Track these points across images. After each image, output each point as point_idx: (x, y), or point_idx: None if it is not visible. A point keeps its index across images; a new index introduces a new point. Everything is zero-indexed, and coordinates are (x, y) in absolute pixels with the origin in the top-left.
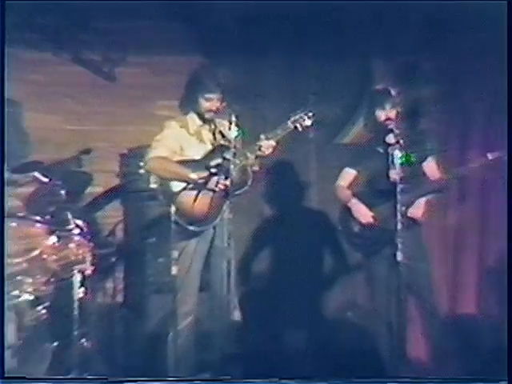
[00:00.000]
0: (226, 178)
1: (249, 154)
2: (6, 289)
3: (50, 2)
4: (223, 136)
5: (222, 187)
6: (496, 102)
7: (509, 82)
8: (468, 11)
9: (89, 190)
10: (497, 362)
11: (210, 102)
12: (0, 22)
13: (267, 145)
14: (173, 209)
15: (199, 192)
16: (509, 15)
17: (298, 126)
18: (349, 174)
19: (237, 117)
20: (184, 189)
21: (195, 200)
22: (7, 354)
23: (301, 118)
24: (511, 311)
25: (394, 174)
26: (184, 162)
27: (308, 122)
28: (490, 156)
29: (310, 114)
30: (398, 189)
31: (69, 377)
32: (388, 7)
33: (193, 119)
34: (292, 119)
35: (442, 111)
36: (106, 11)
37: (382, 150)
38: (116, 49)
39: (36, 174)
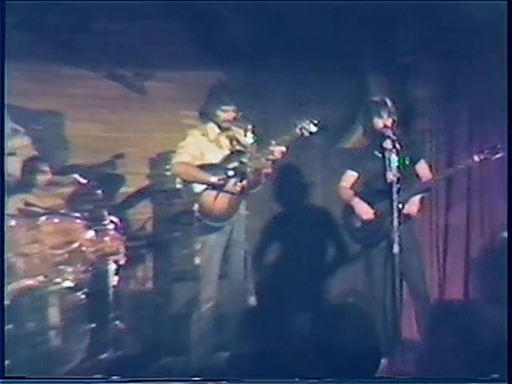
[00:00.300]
0: (242, 180)
1: (262, 158)
2: (49, 277)
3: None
4: (239, 142)
5: (239, 188)
6: (491, 103)
7: (509, 81)
8: (468, 11)
9: (122, 190)
10: (482, 340)
11: (226, 113)
12: (0, 22)
13: (278, 150)
14: (196, 207)
15: (219, 192)
16: (509, 15)
17: (304, 132)
18: (350, 176)
19: (253, 125)
20: (205, 189)
21: (215, 199)
22: (51, 334)
23: (307, 124)
24: (511, 311)
25: (391, 176)
26: (204, 166)
27: (313, 129)
28: (476, 158)
29: (315, 122)
30: (395, 188)
31: (69, 377)
32: (387, 8)
33: (212, 128)
34: (299, 126)
35: (435, 115)
36: (132, 30)
37: (379, 154)
38: (145, 65)
39: (76, 175)
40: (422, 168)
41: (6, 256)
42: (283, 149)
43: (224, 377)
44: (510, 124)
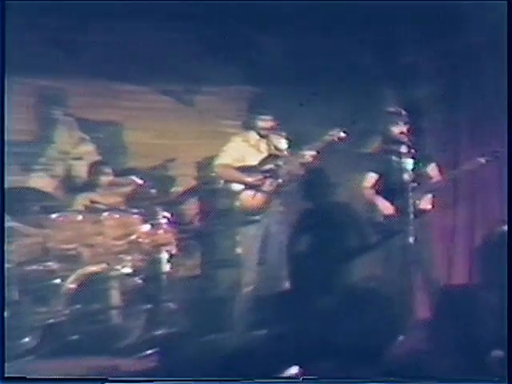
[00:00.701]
0: (277, 180)
1: (295, 161)
2: (111, 264)
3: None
4: (275, 147)
5: (274, 187)
6: (492, 105)
7: (509, 82)
8: (468, 11)
9: (173, 189)
10: (483, 318)
11: (264, 122)
12: (0, 22)
13: (309, 154)
14: (236, 203)
15: (256, 190)
16: (509, 15)
17: (334, 139)
18: (372, 177)
19: (287, 133)
20: (245, 188)
21: (253, 197)
22: (112, 313)
23: (337, 132)
24: (511, 310)
25: (407, 176)
26: (244, 168)
27: (342, 135)
28: (481, 160)
29: (344, 129)
30: (410, 188)
31: (68, 377)
32: (386, 8)
33: (252, 134)
34: (330, 133)
35: (445, 122)
36: (180, 51)
37: (397, 158)
38: (193, 81)
39: (133, 177)
40: (433, 170)
41: (5, 254)
42: (313, 153)
43: (266, 352)
44: (510, 124)
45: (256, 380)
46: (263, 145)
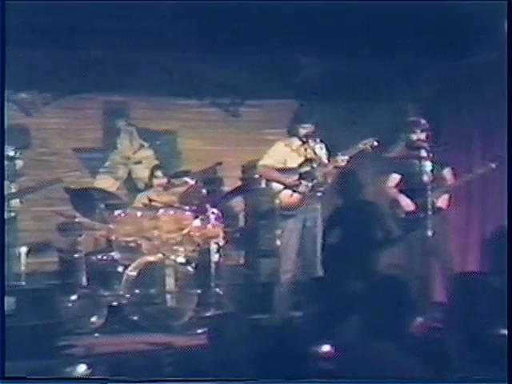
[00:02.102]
0: (313, 180)
1: (329, 165)
2: (166, 254)
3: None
4: (313, 152)
5: (310, 187)
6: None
7: (509, 83)
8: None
9: (221, 188)
10: (491, 300)
11: (305, 129)
12: (0, 22)
13: (342, 159)
14: (276, 201)
15: (294, 190)
16: (509, 15)
17: (367, 147)
18: (395, 178)
19: (321, 140)
20: (284, 188)
21: (291, 196)
22: (168, 297)
23: (369, 141)
24: (511, 311)
25: (426, 178)
26: (282, 170)
27: (375, 144)
28: (492, 164)
29: (377, 139)
30: (429, 188)
31: (69, 376)
32: (387, 8)
33: (294, 140)
34: (363, 142)
35: (460, 129)
36: (226, 68)
37: (417, 162)
38: (238, 95)
39: (186, 178)
40: (449, 173)
41: (5, 253)
42: (346, 158)
43: (302, 330)
44: (510, 126)
45: (262, 380)
46: (303, 150)
